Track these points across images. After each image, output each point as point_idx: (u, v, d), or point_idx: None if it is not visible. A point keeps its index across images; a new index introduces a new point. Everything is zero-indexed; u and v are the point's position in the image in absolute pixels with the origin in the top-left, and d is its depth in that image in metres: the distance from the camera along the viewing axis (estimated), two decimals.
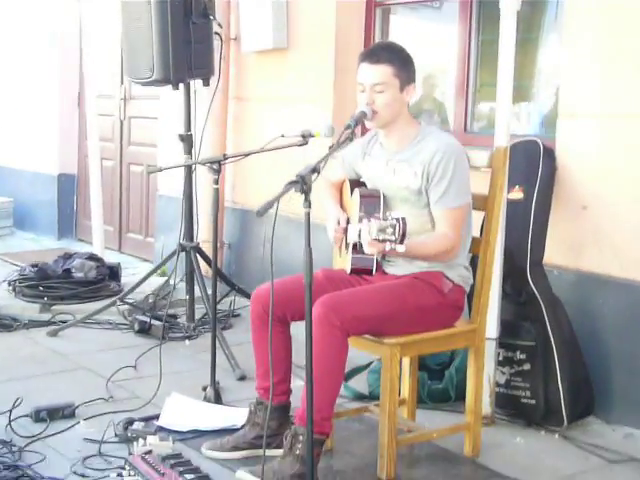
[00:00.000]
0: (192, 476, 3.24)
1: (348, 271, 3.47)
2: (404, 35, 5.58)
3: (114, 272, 6.15)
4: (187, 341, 5.24)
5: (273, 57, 5.87)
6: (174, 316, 5.58)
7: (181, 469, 3.28)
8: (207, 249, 5.47)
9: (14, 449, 3.53)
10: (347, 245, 3.49)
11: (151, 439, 3.55)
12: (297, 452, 3.21)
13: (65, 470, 3.38)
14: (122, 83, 7.73)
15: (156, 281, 5.94)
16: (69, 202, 8.62)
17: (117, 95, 7.83)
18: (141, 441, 3.53)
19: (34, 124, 8.79)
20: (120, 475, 3.33)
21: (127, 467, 3.35)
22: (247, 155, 3.80)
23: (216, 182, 3.99)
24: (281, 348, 3.48)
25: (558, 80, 4.33)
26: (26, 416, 3.87)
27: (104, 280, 6.00)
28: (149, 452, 3.43)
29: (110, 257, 6.89)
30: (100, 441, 3.63)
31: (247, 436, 3.58)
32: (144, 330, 5.30)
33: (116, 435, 3.72)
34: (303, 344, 2.92)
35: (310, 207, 2.83)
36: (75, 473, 3.37)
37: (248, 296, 5.46)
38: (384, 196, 3.38)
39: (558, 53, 4.40)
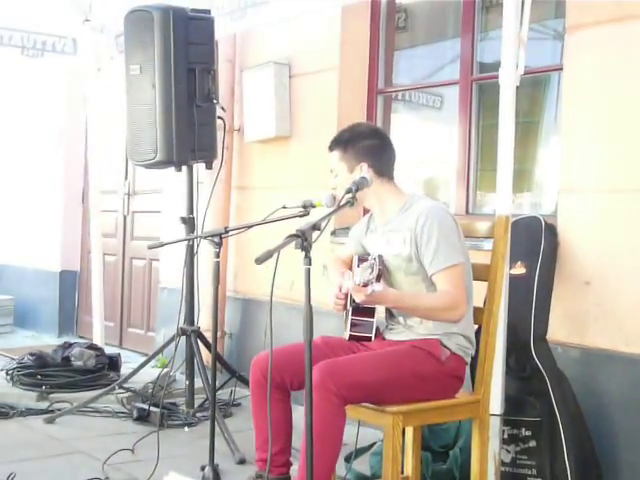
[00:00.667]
0: None
1: (347, 337, 3.44)
2: (406, 122, 5.68)
3: (114, 362, 6.08)
4: (186, 428, 5.15)
5: (276, 146, 5.95)
6: (174, 404, 5.51)
7: None
8: (208, 338, 5.43)
9: None
10: (347, 312, 3.47)
11: None
12: None
13: None
14: (126, 178, 7.80)
15: (156, 372, 5.88)
16: (70, 299, 8.62)
17: (121, 190, 7.90)
18: None
19: (37, 221, 8.87)
20: None
21: None
22: (249, 227, 3.81)
23: (217, 255, 3.98)
24: (280, 417, 3.43)
25: (559, 159, 4.37)
26: None
27: (103, 369, 5.93)
28: None
29: (110, 351, 6.82)
30: None
31: None
32: (143, 417, 5.21)
33: None
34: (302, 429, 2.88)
35: (310, 264, 2.82)
36: None
37: (248, 384, 5.42)
38: (379, 257, 3.36)
39: (558, 131, 4.45)
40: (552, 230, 4.15)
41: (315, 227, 2.84)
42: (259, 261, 2.70)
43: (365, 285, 3.06)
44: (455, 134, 5.19)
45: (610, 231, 4.02)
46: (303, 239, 2.78)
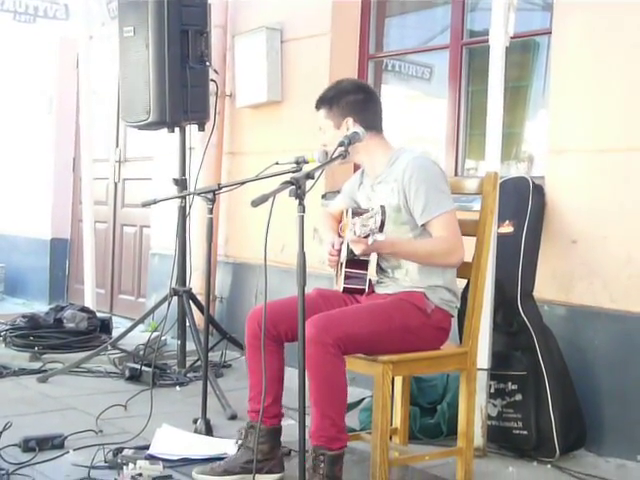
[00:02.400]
0: None
1: (341, 289, 3.50)
2: (397, 87, 5.73)
3: (105, 325, 6.15)
4: (178, 387, 5.22)
5: (267, 111, 5.99)
6: (165, 365, 5.57)
7: None
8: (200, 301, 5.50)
9: (2, 473, 3.48)
10: (341, 265, 3.53)
11: (141, 463, 3.52)
12: (322, 472, 3.20)
13: None
14: (117, 146, 7.84)
15: (147, 336, 5.93)
16: (61, 266, 8.67)
17: (112, 158, 7.93)
18: (131, 465, 3.50)
19: (28, 189, 8.91)
20: None
21: None
22: (242, 184, 3.84)
23: (210, 212, 4.04)
24: (274, 369, 3.47)
25: (547, 121, 4.43)
26: (15, 445, 3.82)
27: (95, 331, 5.99)
28: (139, 474, 3.40)
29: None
30: (89, 466, 3.59)
31: (238, 460, 3.55)
32: (135, 377, 5.28)
33: (106, 461, 3.68)
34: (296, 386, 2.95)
35: (304, 212, 2.87)
36: None
37: (240, 346, 5.51)
38: (382, 207, 3.41)
39: (547, 92, 4.51)
40: (540, 190, 4.22)
41: (309, 176, 2.90)
42: (255, 204, 2.75)
43: (366, 236, 3.08)
44: (444, 105, 5.24)
45: (596, 191, 4.09)
46: (297, 187, 2.84)
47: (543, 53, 4.78)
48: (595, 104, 4.11)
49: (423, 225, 3.41)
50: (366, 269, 3.46)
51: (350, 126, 3.49)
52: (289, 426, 3.68)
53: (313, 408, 3.21)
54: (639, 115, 3.94)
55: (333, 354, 3.19)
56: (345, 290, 3.49)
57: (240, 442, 3.61)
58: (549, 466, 3.86)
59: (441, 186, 3.42)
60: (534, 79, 4.99)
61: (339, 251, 3.55)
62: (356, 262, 3.39)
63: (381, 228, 2.97)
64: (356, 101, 3.54)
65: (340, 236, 3.52)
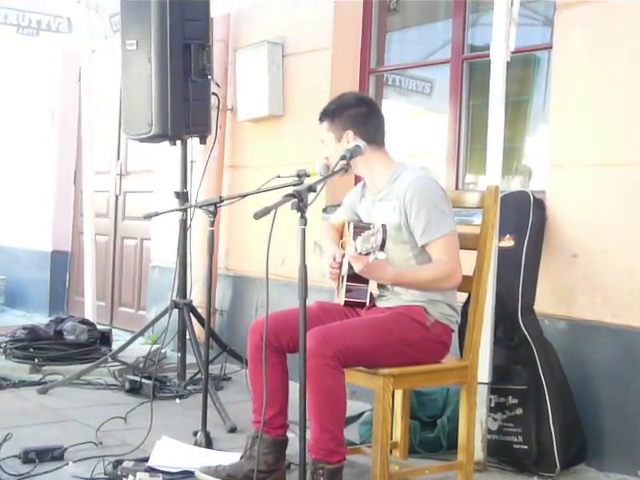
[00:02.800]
0: None
1: (342, 303, 3.51)
2: (398, 102, 5.75)
3: (105, 337, 6.16)
4: (178, 400, 5.22)
5: (269, 125, 6.01)
6: (165, 378, 5.57)
7: None
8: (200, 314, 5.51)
9: None
10: (342, 278, 3.53)
11: (141, 475, 3.52)
12: None
13: None
14: (118, 158, 7.87)
15: (147, 348, 5.93)
16: (62, 279, 8.67)
17: (113, 171, 7.95)
18: (131, 477, 3.50)
19: (29, 202, 8.93)
20: None
21: None
22: (244, 196, 3.85)
23: (212, 224, 4.05)
24: (277, 380, 3.47)
25: (548, 135, 4.45)
26: (15, 457, 3.83)
27: (95, 343, 6.00)
28: None
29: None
30: (89, 478, 3.60)
31: (243, 467, 3.54)
32: (135, 389, 5.27)
33: (105, 473, 3.68)
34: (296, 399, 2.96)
35: (306, 224, 2.88)
36: None
37: (240, 359, 5.51)
38: (383, 226, 3.41)
39: (547, 107, 4.53)
40: (540, 204, 4.23)
41: (311, 189, 2.91)
42: (257, 216, 2.76)
43: (367, 254, 3.08)
44: (445, 119, 5.26)
45: (597, 205, 4.10)
46: (299, 199, 2.85)
47: (544, 68, 4.80)
48: (595, 119, 4.13)
49: (423, 246, 3.42)
50: (367, 283, 3.47)
51: (350, 139, 3.50)
52: (290, 439, 3.68)
53: (312, 421, 3.20)
54: (639, 130, 3.95)
55: (333, 366, 3.19)
56: (346, 303, 3.50)
57: (245, 450, 3.60)
58: None
59: (442, 207, 3.42)
60: (535, 94, 5.01)
61: (340, 264, 3.56)
62: (358, 276, 3.39)
63: (382, 247, 2.97)
64: (357, 114, 3.55)
65: (342, 249, 3.52)
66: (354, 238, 3.34)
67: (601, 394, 3.99)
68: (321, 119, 3.64)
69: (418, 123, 6.07)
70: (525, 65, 4.99)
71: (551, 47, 4.43)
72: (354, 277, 3.41)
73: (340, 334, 3.28)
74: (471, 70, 5.15)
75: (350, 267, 3.35)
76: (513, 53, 4.06)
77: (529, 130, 5.03)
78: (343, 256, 3.55)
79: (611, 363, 3.98)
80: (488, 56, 4.11)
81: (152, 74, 5.07)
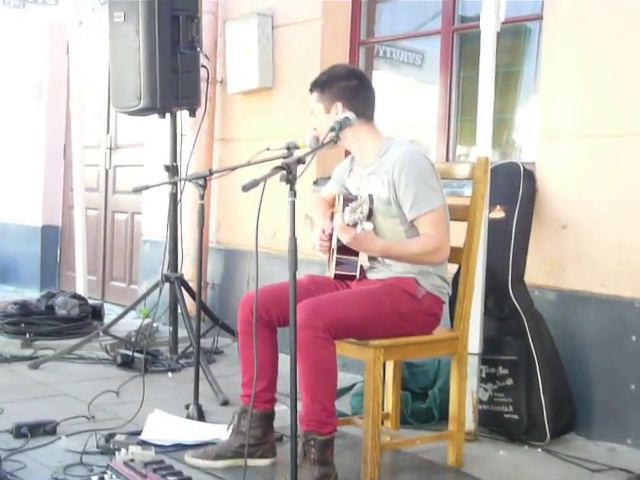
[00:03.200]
0: (175, 478, 3.19)
1: (332, 276, 3.51)
2: (388, 73, 5.73)
3: (97, 311, 6.15)
4: (170, 373, 5.23)
5: (259, 97, 5.99)
6: (157, 352, 5.58)
7: (164, 472, 3.24)
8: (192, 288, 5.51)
9: None
10: (332, 251, 3.53)
11: (133, 448, 3.51)
12: (312, 457, 3.21)
13: (46, 477, 3.33)
14: (108, 132, 7.84)
15: (139, 323, 5.93)
16: (52, 254, 8.66)
17: (103, 144, 7.92)
18: (123, 451, 3.50)
19: (19, 177, 8.89)
20: (102, 479, 3.29)
21: (109, 472, 3.31)
22: (233, 169, 3.84)
23: (202, 197, 4.04)
24: (267, 354, 3.49)
25: (538, 107, 4.44)
26: (7, 432, 3.83)
27: (87, 318, 6.00)
28: (131, 460, 3.40)
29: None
30: (82, 452, 3.60)
31: (231, 445, 3.56)
32: (126, 363, 5.28)
33: (98, 447, 3.69)
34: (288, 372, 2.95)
35: (295, 197, 2.87)
36: (56, 479, 3.33)
37: (231, 332, 5.52)
38: (370, 196, 3.41)
39: (538, 78, 4.52)
40: (530, 176, 4.23)
41: (300, 161, 2.89)
42: (245, 188, 2.75)
43: (354, 225, 3.09)
44: (435, 91, 5.24)
45: (587, 176, 4.10)
46: (288, 172, 2.84)
47: (534, 38, 4.78)
48: (586, 90, 4.12)
49: (411, 220, 3.42)
50: (357, 255, 3.47)
51: (339, 111, 3.49)
52: (281, 411, 3.70)
53: (303, 393, 3.22)
54: (630, 100, 3.95)
55: (324, 338, 3.20)
56: (336, 276, 3.51)
57: (232, 426, 3.62)
58: (540, 450, 3.88)
59: (430, 182, 3.42)
60: (525, 65, 4.99)
61: (330, 236, 3.56)
62: (348, 248, 3.40)
63: (369, 217, 2.99)
64: (348, 87, 3.54)
65: (332, 221, 3.52)
66: (343, 209, 3.35)
67: (590, 364, 4.01)
68: (311, 90, 3.63)
69: (409, 95, 6.05)
70: (515, 36, 4.97)
71: (541, 17, 4.41)
72: (344, 250, 3.42)
73: (331, 306, 3.29)
74: (461, 41, 5.13)
75: (339, 239, 3.36)
76: (503, 24, 4.04)
77: (519, 101, 5.02)
78: (333, 229, 3.55)
79: (600, 333, 3.99)
80: (478, 27, 4.09)
81: (140, 46, 5.04)
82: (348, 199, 3.38)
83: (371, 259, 3.61)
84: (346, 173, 3.72)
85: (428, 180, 3.41)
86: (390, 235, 3.46)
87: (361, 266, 3.54)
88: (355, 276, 3.51)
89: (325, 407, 3.22)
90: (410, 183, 3.37)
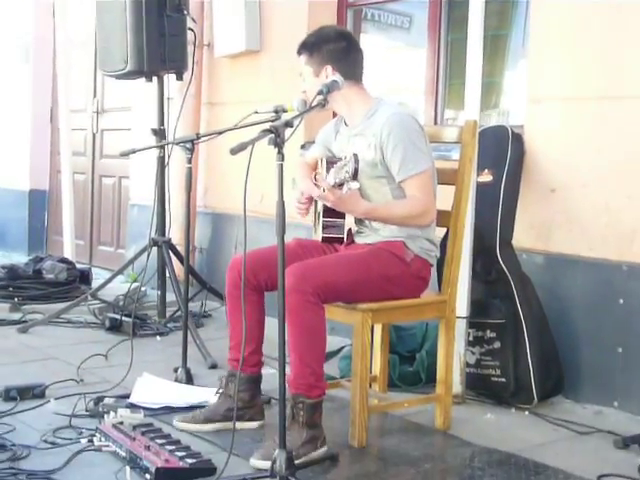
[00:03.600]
0: (163, 441, 3.22)
1: (319, 239, 3.51)
2: (376, 37, 5.69)
3: (85, 275, 6.16)
4: (158, 337, 5.24)
5: (246, 61, 5.95)
6: (145, 316, 5.59)
7: (152, 435, 3.27)
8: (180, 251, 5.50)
9: None
10: (319, 215, 3.53)
11: (122, 411, 3.53)
12: (301, 419, 3.23)
13: (35, 440, 3.34)
14: (95, 96, 7.79)
15: (127, 287, 5.93)
16: (40, 218, 8.63)
17: (90, 108, 7.87)
18: (112, 414, 3.51)
19: (5, 141, 8.83)
20: (91, 441, 3.31)
21: (98, 434, 3.33)
22: (221, 133, 3.83)
23: (189, 161, 4.03)
24: (255, 318, 3.49)
25: (526, 70, 4.43)
26: None
27: (75, 282, 6.00)
28: (120, 423, 3.41)
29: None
30: (71, 415, 3.62)
31: (219, 408, 3.58)
32: (115, 327, 5.29)
33: (87, 410, 3.70)
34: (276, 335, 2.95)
35: (283, 160, 2.86)
36: (45, 441, 3.34)
37: (219, 296, 5.52)
38: (355, 155, 3.38)
39: (526, 42, 4.50)
40: (519, 139, 4.22)
41: (288, 124, 2.88)
42: (233, 152, 2.73)
43: (340, 185, 3.10)
44: (424, 54, 5.22)
45: (575, 140, 4.10)
46: (276, 135, 2.82)
47: (523, 2, 4.75)
48: (574, 53, 4.10)
49: (399, 182, 3.41)
50: (344, 217, 3.47)
51: (329, 74, 3.47)
52: (269, 375, 3.71)
53: (292, 356, 3.22)
54: (617, 64, 3.93)
55: (312, 302, 3.20)
56: (324, 239, 3.51)
57: (221, 391, 3.64)
58: (527, 413, 3.91)
59: (419, 144, 3.41)
60: (514, 28, 4.97)
61: (310, 199, 3.56)
62: (334, 211, 3.40)
63: (354, 176, 2.99)
64: (337, 49, 3.51)
65: (315, 185, 3.49)
66: (327, 171, 3.34)
67: (578, 327, 4.03)
68: (299, 52, 3.60)
69: (397, 58, 6.02)
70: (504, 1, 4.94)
71: None
72: (330, 212, 3.42)
73: (319, 270, 3.29)
74: (450, 4, 5.10)
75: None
76: None
77: (508, 65, 5.01)
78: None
79: (588, 296, 4.01)
80: None
81: (127, 9, 5.00)
82: (331, 161, 3.38)
83: (358, 223, 3.60)
84: (332, 135, 3.71)
85: (416, 142, 3.41)
86: (376, 196, 3.46)
87: (349, 229, 3.54)
88: (342, 239, 3.51)
89: (314, 370, 3.23)
90: (398, 145, 3.36)
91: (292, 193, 3.89)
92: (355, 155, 3.01)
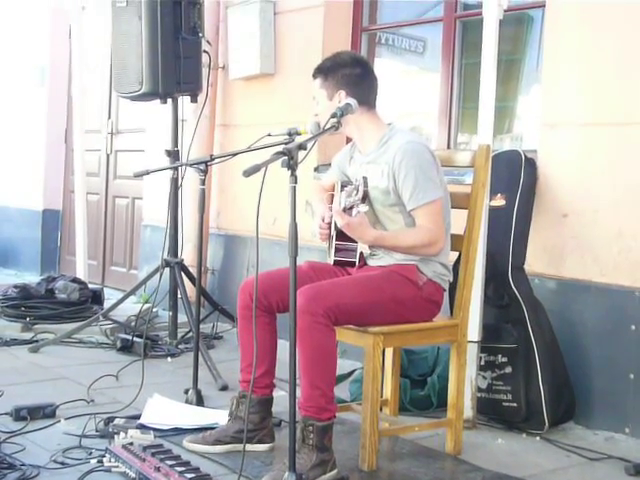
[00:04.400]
0: (173, 462, 3.22)
1: (331, 262, 3.52)
2: (390, 61, 5.71)
3: (97, 295, 6.16)
4: (169, 358, 5.24)
5: (260, 83, 5.99)
6: (157, 337, 5.59)
7: (162, 457, 3.26)
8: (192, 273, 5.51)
9: None
10: (332, 238, 3.54)
11: (132, 432, 3.54)
12: (311, 442, 3.21)
13: (45, 459, 3.34)
14: (109, 117, 7.83)
15: (139, 307, 5.94)
16: (53, 238, 8.66)
17: (104, 129, 7.91)
18: (122, 434, 3.52)
19: (20, 161, 8.89)
20: (100, 462, 3.31)
21: (108, 455, 3.33)
22: (234, 155, 3.85)
23: (203, 183, 4.04)
24: (266, 340, 3.50)
25: (540, 95, 4.43)
26: (6, 414, 3.85)
27: (87, 302, 6.00)
28: (130, 444, 3.41)
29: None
30: (81, 435, 3.62)
31: (229, 430, 3.57)
32: (126, 348, 5.29)
33: (97, 430, 3.70)
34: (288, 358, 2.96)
35: (296, 182, 2.87)
36: (55, 461, 3.34)
37: (231, 318, 5.53)
38: (364, 178, 3.30)
39: (540, 66, 4.51)
40: (532, 164, 4.23)
41: (301, 147, 2.89)
42: (246, 173, 2.75)
43: (350, 208, 3.12)
44: (437, 79, 5.24)
45: (588, 165, 4.10)
46: (289, 157, 2.84)
47: (537, 26, 4.76)
48: (588, 78, 4.11)
49: (409, 211, 3.42)
50: (356, 241, 3.47)
51: (342, 99, 3.48)
52: (281, 397, 3.71)
53: (302, 378, 3.22)
54: (632, 89, 3.94)
55: (323, 324, 3.20)
56: (336, 262, 3.52)
57: (230, 412, 3.63)
58: (538, 438, 3.89)
59: (430, 173, 3.42)
60: (527, 52, 4.99)
61: (330, 224, 3.57)
62: (347, 235, 3.40)
63: (364, 199, 3.01)
64: (352, 75, 3.53)
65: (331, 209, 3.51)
66: (340, 195, 3.36)
67: (590, 353, 4.02)
68: (314, 76, 3.62)
69: (411, 82, 6.04)
70: (518, 23, 4.96)
71: (544, 5, 4.39)
72: (343, 236, 3.43)
73: (331, 292, 3.29)
74: (464, 29, 5.13)
75: (337, 226, 3.37)
76: (506, 11, 4.03)
77: (521, 89, 5.02)
78: (332, 216, 3.55)
79: (600, 322, 4.00)
80: (481, 14, 4.09)
81: (142, 32, 5.05)
82: (345, 185, 3.39)
83: (371, 246, 3.61)
84: (347, 160, 3.73)
85: (427, 171, 3.42)
86: (388, 223, 3.48)
87: (361, 253, 3.54)
88: (355, 263, 3.52)
89: (324, 393, 3.23)
90: (409, 173, 3.38)
91: (305, 216, 3.91)
92: (365, 178, 3.04)
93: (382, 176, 3.45)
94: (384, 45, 5.85)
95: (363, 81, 3.57)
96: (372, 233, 3.37)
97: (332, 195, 3.66)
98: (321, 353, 3.22)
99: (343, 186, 3.42)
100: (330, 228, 3.58)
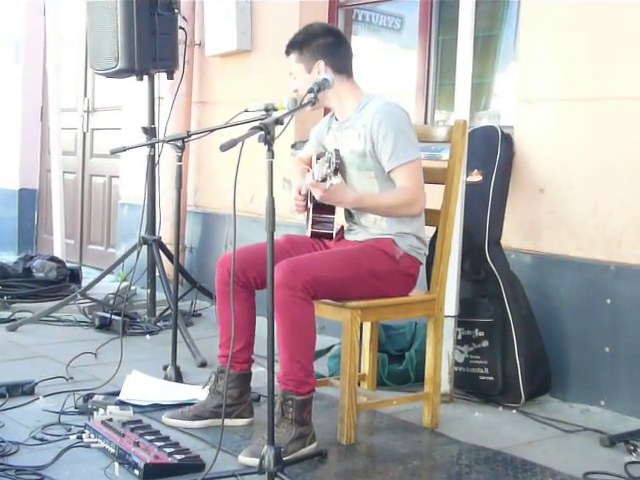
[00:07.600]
0: (152, 437, 3.23)
1: (309, 234, 3.53)
2: (367, 38, 5.70)
3: (75, 274, 6.15)
4: (148, 336, 5.24)
5: (237, 60, 5.96)
6: (135, 315, 5.59)
7: (141, 432, 3.28)
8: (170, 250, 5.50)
9: None
10: (309, 210, 3.55)
11: (111, 408, 3.54)
12: (290, 416, 3.23)
13: (24, 436, 3.35)
14: (85, 95, 7.79)
15: (117, 286, 5.94)
16: (30, 217, 8.62)
17: (80, 108, 7.87)
18: (101, 410, 3.52)
19: None
20: (80, 438, 3.31)
21: (87, 431, 3.34)
22: (211, 131, 3.84)
23: (180, 159, 4.03)
24: (245, 315, 3.50)
25: (517, 71, 4.45)
26: None
27: (64, 281, 6.00)
28: (109, 420, 3.42)
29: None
30: (60, 412, 3.62)
31: (208, 405, 3.59)
32: (105, 326, 5.29)
33: (76, 407, 3.71)
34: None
35: (273, 157, 2.87)
36: (34, 438, 3.34)
37: (209, 295, 5.52)
38: (336, 151, 3.30)
39: (516, 42, 4.52)
40: (509, 139, 4.24)
41: (278, 121, 2.89)
42: (223, 148, 2.75)
43: (323, 180, 3.14)
44: (414, 55, 5.23)
45: (564, 141, 4.12)
46: (266, 132, 2.83)
47: (514, 3, 4.76)
48: (564, 54, 4.12)
49: (389, 172, 3.42)
50: (333, 213, 3.49)
51: (322, 69, 3.49)
52: (260, 373, 3.71)
53: (281, 352, 3.23)
54: (607, 65, 3.95)
55: (301, 298, 3.21)
56: (313, 235, 3.53)
57: (209, 386, 3.64)
58: (514, 411, 3.93)
59: (408, 134, 3.45)
60: (504, 29, 4.98)
61: (306, 196, 3.57)
62: (323, 207, 3.42)
63: (336, 172, 3.03)
64: (326, 44, 3.53)
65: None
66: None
67: (566, 326, 4.05)
68: (288, 51, 3.61)
69: (387, 59, 6.03)
70: (494, 0, 4.96)
71: None
72: (320, 208, 3.44)
73: (309, 266, 3.30)
74: (441, 5, 5.12)
75: (313, 197, 3.37)
76: None
77: (498, 66, 5.02)
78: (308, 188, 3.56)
79: (576, 296, 4.02)
80: None
81: (117, 7, 5.01)
82: (320, 156, 3.40)
83: (349, 220, 3.62)
84: (324, 131, 3.73)
85: (406, 132, 3.44)
86: (362, 189, 3.49)
87: (342, 226, 3.56)
88: (331, 234, 3.53)
89: (303, 366, 3.24)
90: (389, 133, 3.39)
91: (282, 193, 3.91)
92: (337, 150, 3.07)
93: (359, 139, 3.46)
94: (361, 22, 5.84)
95: (339, 49, 3.57)
96: (352, 194, 3.38)
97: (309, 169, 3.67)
98: (300, 326, 3.23)
99: (318, 158, 3.43)
100: (306, 200, 3.59)
